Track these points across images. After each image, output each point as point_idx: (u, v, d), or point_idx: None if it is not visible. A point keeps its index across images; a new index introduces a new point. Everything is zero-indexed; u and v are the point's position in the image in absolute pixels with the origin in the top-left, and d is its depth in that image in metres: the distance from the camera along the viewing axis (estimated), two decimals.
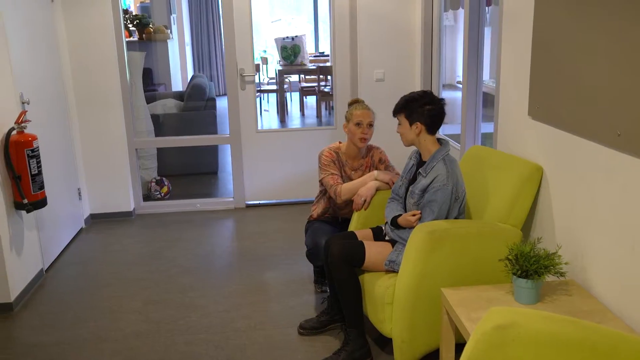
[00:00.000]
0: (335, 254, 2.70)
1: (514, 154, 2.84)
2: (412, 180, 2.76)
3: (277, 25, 10.74)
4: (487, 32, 3.85)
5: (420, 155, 2.78)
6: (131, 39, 7.80)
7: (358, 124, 3.10)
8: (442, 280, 2.47)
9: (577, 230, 2.32)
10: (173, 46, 8.63)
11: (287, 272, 3.75)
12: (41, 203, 3.42)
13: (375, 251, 2.73)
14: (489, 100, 3.86)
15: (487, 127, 3.83)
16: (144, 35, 7.96)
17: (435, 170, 2.60)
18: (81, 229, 4.61)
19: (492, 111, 3.92)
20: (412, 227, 2.63)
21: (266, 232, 4.48)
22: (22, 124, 3.32)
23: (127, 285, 3.64)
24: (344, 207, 3.25)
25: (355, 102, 3.19)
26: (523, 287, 2.18)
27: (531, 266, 2.16)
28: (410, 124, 2.64)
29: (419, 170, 2.69)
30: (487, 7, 3.76)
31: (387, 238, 2.82)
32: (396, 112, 2.70)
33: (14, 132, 3.28)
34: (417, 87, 4.77)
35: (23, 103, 3.56)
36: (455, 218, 2.64)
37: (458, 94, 6.95)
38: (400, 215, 2.71)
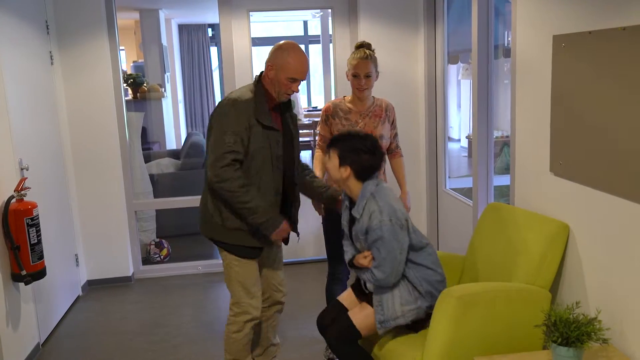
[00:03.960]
0: (333, 338, 2.58)
1: (536, 211, 2.75)
2: (351, 221, 2.63)
3: None
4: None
5: None
6: (125, 98, 7.77)
7: (355, 76, 3.02)
8: (473, 348, 2.33)
9: (613, 292, 2.21)
10: (167, 104, 8.61)
11: (299, 338, 3.58)
12: (40, 274, 3.26)
13: (361, 318, 2.57)
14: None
15: (498, 180, 3.78)
16: (138, 94, 7.95)
17: (368, 209, 2.48)
18: (78, 297, 4.41)
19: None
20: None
21: None
22: (22, 192, 3.19)
23: (129, 357, 3.44)
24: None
25: (360, 47, 3.05)
26: (564, 355, 2.04)
27: (572, 333, 2.03)
28: (340, 165, 2.53)
29: (351, 212, 2.58)
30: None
31: (367, 289, 2.63)
32: (330, 145, 2.58)
33: (14, 200, 3.15)
34: (422, 141, 4.72)
35: (22, 169, 3.44)
36: (411, 244, 2.51)
37: (453, 145, 6.96)
38: (354, 257, 2.61)
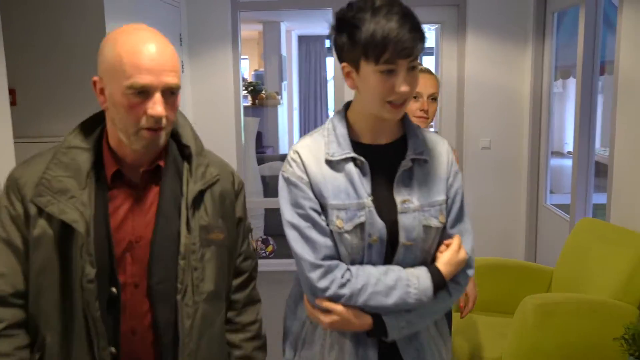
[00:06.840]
0: None
1: (631, 229, 2.73)
2: (381, 197, 1.44)
3: None
4: (599, 101, 3.79)
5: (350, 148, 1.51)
6: (245, 104, 8.35)
7: (415, 97, 2.16)
8: (552, 356, 2.38)
9: None
10: (282, 111, 9.10)
11: None
12: None
13: None
14: (600, 170, 3.74)
15: (597, 198, 3.70)
16: (256, 100, 8.50)
17: (429, 141, 1.50)
18: None
19: (601, 181, 3.80)
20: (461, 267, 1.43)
21: None
22: None
23: None
24: None
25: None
26: None
27: None
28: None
29: (407, 159, 1.44)
30: (600, 76, 3.71)
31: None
32: (417, 52, 1.38)
33: None
34: (525, 154, 4.70)
35: None
36: None
37: (565, 162, 6.75)
38: (433, 263, 1.44)
